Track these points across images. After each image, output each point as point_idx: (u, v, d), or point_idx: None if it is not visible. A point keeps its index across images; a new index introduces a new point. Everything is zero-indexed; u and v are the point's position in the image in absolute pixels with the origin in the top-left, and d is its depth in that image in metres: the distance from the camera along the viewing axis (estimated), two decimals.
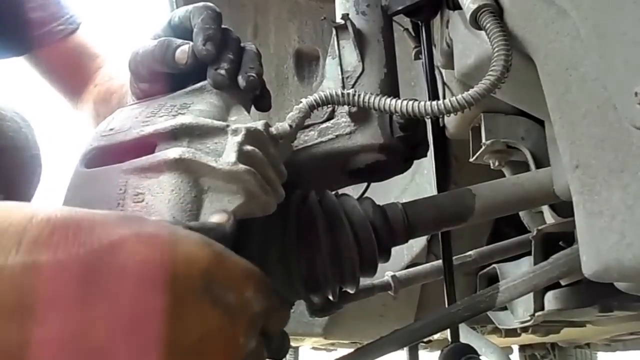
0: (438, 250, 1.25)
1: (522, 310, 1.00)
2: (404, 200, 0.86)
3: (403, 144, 0.72)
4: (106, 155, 0.60)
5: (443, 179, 0.83)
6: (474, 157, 0.93)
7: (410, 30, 0.96)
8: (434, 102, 0.59)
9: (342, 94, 0.64)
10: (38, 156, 0.88)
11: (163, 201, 0.54)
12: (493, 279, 1.13)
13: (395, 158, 0.73)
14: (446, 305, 0.81)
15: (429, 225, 0.73)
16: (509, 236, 1.07)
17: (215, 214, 0.53)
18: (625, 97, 0.50)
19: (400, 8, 0.80)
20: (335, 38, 0.79)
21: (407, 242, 0.73)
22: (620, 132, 0.51)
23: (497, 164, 0.90)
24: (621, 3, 0.51)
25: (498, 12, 0.63)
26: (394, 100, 0.61)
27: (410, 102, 0.60)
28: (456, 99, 0.58)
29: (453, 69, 0.91)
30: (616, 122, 0.52)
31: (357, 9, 0.81)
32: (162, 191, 0.54)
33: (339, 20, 0.80)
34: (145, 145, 0.59)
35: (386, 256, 0.71)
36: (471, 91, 0.59)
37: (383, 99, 0.62)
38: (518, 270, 1.04)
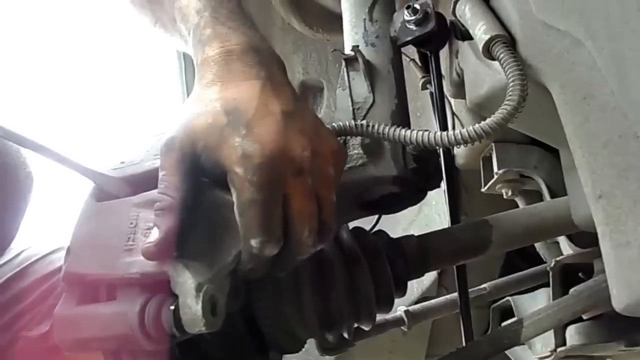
0: (449, 283, 1.24)
1: (541, 345, 0.98)
2: (412, 232, 0.84)
3: (416, 176, 0.71)
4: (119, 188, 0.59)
5: (455, 210, 0.81)
6: (486, 187, 0.91)
7: (417, 60, 0.96)
8: (450, 133, 0.58)
9: (356, 125, 0.63)
10: (31, 174, 0.88)
11: None
12: (507, 311, 1.10)
13: (408, 190, 0.71)
14: (463, 341, 0.79)
15: (446, 258, 0.72)
16: (521, 267, 1.06)
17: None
18: None
19: (409, 39, 0.79)
20: (345, 69, 0.78)
21: (423, 275, 0.72)
22: None
23: (510, 193, 0.89)
24: (637, 31, 0.51)
25: (511, 43, 0.63)
26: (408, 131, 0.60)
27: (426, 133, 0.59)
28: (473, 129, 0.57)
29: (463, 98, 0.90)
30: (638, 153, 0.51)
31: (367, 40, 0.81)
32: None
33: (348, 51, 0.79)
34: (157, 178, 0.57)
35: (402, 290, 0.69)
36: (488, 121, 0.58)
37: (397, 129, 0.61)
38: (534, 303, 1.01)
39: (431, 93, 0.99)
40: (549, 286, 1.00)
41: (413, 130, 0.60)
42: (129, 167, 0.60)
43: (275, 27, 1.29)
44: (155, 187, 0.55)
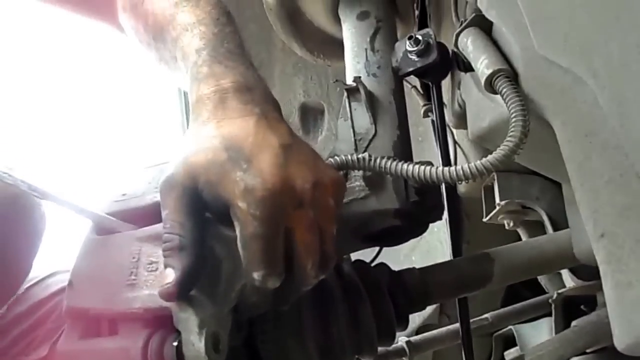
0: (451, 311, 1.23)
1: None
2: (414, 259, 0.84)
3: (418, 209, 0.70)
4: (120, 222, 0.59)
5: (457, 240, 0.81)
6: (488, 218, 0.91)
7: (419, 88, 0.97)
8: (452, 169, 0.58)
9: (358, 159, 0.63)
10: (45, 215, 0.88)
11: None
12: (509, 340, 1.09)
13: (410, 223, 0.71)
14: None
15: (448, 292, 0.72)
16: (524, 296, 1.05)
17: None
18: None
19: (411, 70, 0.79)
20: (346, 100, 0.78)
21: (424, 309, 0.71)
22: None
23: (512, 224, 0.89)
24: (638, 72, 0.51)
25: (513, 77, 0.63)
26: (410, 166, 0.60)
27: (428, 168, 0.59)
28: (475, 166, 0.57)
29: (465, 129, 0.90)
30: None
31: (368, 70, 0.81)
32: None
33: (349, 82, 0.80)
34: (158, 212, 0.57)
35: (404, 324, 0.69)
36: (490, 157, 0.58)
37: (400, 164, 0.61)
38: (536, 332, 1.01)
39: (433, 121, 1.00)
40: (551, 315, 1.00)
41: (415, 164, 0.60)
42: (132, 200, 0.60)
43: (276, 49, 1.30)
44: (158, 221, 0.55)
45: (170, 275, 0.50)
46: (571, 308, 0.82)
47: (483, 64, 0.65)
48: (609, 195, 0.53)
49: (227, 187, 0.51)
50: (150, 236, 0.55)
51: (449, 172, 0.57)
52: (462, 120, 0.85)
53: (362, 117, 0.76)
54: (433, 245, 1.19)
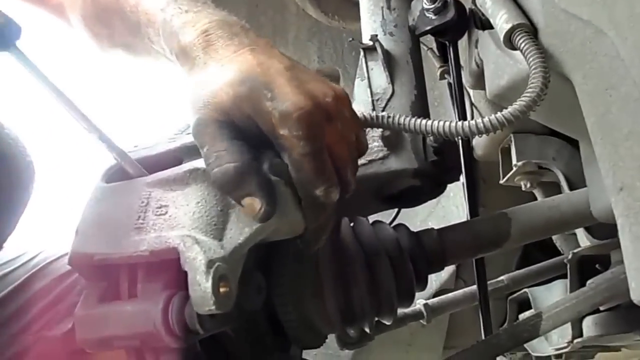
0: (467, 276, 1.23)
1: (557, 336, 0.97)
2: (430, 224, 0.84)
3: (437, 169, 0.70)
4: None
5: (473, 203, 0.81)
6: (505, 179, 0.91)
7: (435, 49, 0.96)
8: (471, 122, 0.58)
9: (377, 116, 0.62)
10: (32, 164, 0.86)
11: (187, 213, 0.53)
12: (524, 303, 1.10)
13: (429, 183, 0.71)
14: (482, 334, 0.79)
15: (465, 252, 0.72)
16: (538, 259, 1.05)
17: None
18: None
19: (428, 28, 0.79)
20: (363, 59, 0.78)
21: (443, 269, 0.72)
22: None
23: (528, 185, 0.88)
24: None
25: (532, 32, 0.62)
26: (428, 122, 0.60)
27: (447, 123, 0.59)
28: (494, 118, 0.57)
29: (482, 89, 0.89)
30: None
31: (385, 29, 0.80)
32: (187, 203, 0.53)
33: (366, 41, 0.79)
34: (170, 160, 0.58)
35: (423, 284, 0.69)
36: (509, 110, 0.58)
37: (417, 120, 0.60)
38: (550, 294, 1.01)
39: (449, 83, 0.99)
40: (565, 278, 1.00)
41: (433, 120, 0.60)
42: (143, 150, 0.60)
43: (290, 14, 1.29)
44: (169, 167, 0.56)
45: (255, 203, 0.50)
46: (586, 267, 0.82)
47: (502, 19, 0.64)
48: (628, 148, 0.53)
49: (263, 118, 0.53)
50: (160, 181, 0.55)
51: (467, 126, 0.57)
52: (479, 80, 0.84)
53: (379, 77, 0.76)
54: (449, 210, 1.19)
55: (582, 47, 0.58)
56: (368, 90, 0.75)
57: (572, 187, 0.82)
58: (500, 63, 0.70)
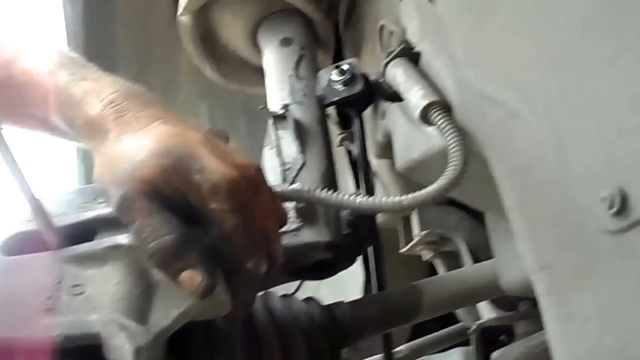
0: (363, 344, 1.21)
1: None
2: (323, 292, 0.82)
3: (350, 241, 0.69)
4: (34, 241, 0.53)
5: (381, 272, 0.80)
6: (406, 248, 0.91)
7: (332, 117, 0.96)
8: (399, 198, 0.57)
9: (295, 190, 0.60)
10: None
11: (107, 294, 0.48)
12: None
13: (342, 256, 0.69)
14: None
15: (377, 326, 0.70)
16: (430, 328, 1.06)
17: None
18: (590, 202, 0.49)
19: (336, 99, 0.78)
20: (273, 128, 0.75)
21: (355, 344, 0.69)
22: (585, 236, 0.51)
23: (430, 256, 0.89)
24: (576, 109, 0.52)
25: (448, 109, 0.63)
26: (352, 197, 0.58)
27: (373, 199, 0.57)
28: (421, 195, 0.56)
29: (387, 159, 0.91)
30: (579, 226, 0.52)
31: (294, 98, 0.79)
32: (106, 283, 0.49)
33: (274, 109, 0.77)
34: (82, 231, 0.54)
35: (336, 357, 0.66)
36: (434, 186, 0.57)
37: (341, 195, 0.59)
38: None
39: (348, 151, 0.99)
40: (463, 345, 1.01)
41: (357, 195, 0.58)
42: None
43: (180, 74, 1.25)
44: (84, 241, 0.52)
45: (195, 276, 0.47)
46: (489, 339, 0.84)
47: (417, 95, 0.65)
48: (548, 228, 0.54)
49: (192, 191, 0.50)
50: (75, 257, 0.51)
51: (397, 201, 0.56)
52: (385, 151, 0.85)
53: (290, 146, 0.74)
54: (344, 278, 1.18)
55: (498, 128, 0.59)
56: (278, 159, 0.73)
57: (474, 257, 0.84)
58: (411, 137, 0.70)
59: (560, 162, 0.54)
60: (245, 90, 1.03)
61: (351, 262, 0.72)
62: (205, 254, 0.48)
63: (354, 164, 0.98)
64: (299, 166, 0.72)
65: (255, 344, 0.61)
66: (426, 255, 0.90)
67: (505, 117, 0.58)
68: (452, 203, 0.89)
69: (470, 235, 0.86)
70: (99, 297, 0.48)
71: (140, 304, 0.48)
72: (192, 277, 0.47)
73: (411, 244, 0.89)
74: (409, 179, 0.90)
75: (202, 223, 0.50)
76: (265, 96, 0.85)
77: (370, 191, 0.82)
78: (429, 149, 0.67)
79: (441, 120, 0.61)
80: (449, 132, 0.60)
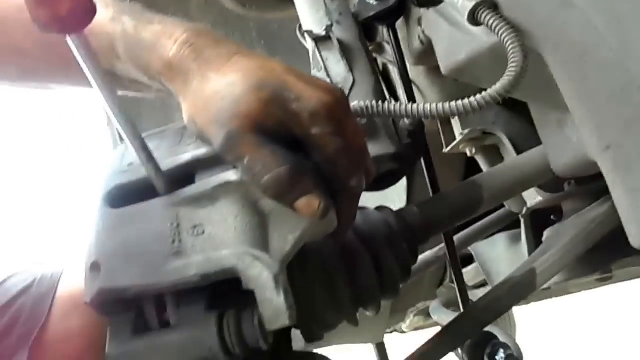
0: None
1: None
2: (369, 203, 0.86)
3: (410, 150, 0.72)
4: (133, 192, 0.55)
5: (433, 175, 0.84)
6: (449, 148, 0.95)
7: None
8: (466, 101, 0.59)
9: (367, 106, 0.62)
10: None
11: (228, 230, 0.50)
12: (465, 259, 1.16)
13: (405, 165, 0.73)
14: (458, 300, 0.83)
15: (446, 224, 0.74)
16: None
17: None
18: None
19: (371, 14, 0.79)
20: (317, 50, 0.77)
21: (427, 242, 0.74)
22: None
23: (473, 151, 0.93)
24: None
25: (494, 7, 0.64)
26: (422, 105, 0.61)
27: (443, 104, 0.60)
28: (489, 94, 0.59)
29: (425, 65, 0.92)
30: None
31: (331, 18, 0.79)
32: (224, 219, 0.51)
33: (316, 31, 0.78)
34: (182, 174, 0.55)
35: (415, 259, 0.71)
36: (497, 87, 0.59)
37: (412, 105, 0.61)
38: (493, 249, 1.08)
39: (383, 63, 1.00)
40: (505, 230, 1.08)
41: (427, 103, 0.61)
42: (143, 168, 0.54)
43: (192, 8, 1.23)
44: (185, 184, 0.53)
45: (314, 201, 0.49)
46: (540, 220, 0.89)
47: None
48: (612, 110, 0.58)
49: (293, 120, 0.51)
50: (185, 199, 0.52)
51: (467, 103, 0.59)
52: (422, 57, 0.87)
53: (337, 66, 0.75)
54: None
55: (550, 20, 0.61)
56: (328, 80, 0.75)
57: (515, 148, 0.88)
58: (455, 39, 0.72)
59: (620, 44, 0.56)
60: (262, 17, 1.03)
61: (412, 168, 0.76)
62: (318, 178, 0.51)
63: (382, 75, 0.99)
64: (350, 85, 0.74)
65: (348, 257, 0.65)
66: (471, 151, 0.93)
67: (557, 7, 0.60)
68: None
69: (508, 127, 0.89)
70: (221, 234, 0.50)
71: (260, 234, 0.50)
72: (309, 202, 0.49)
73: (455, 142, 0.92)
74: (444, 83, 0.93)
75: (303, 150, 0.52)
76: (280, 20, 0.85)
77: (412, 98, 0.85)
78: (476, 48, 0.68)
79: (491, 19, 0.63)
80: (503, 29, 0.61)
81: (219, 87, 0.53)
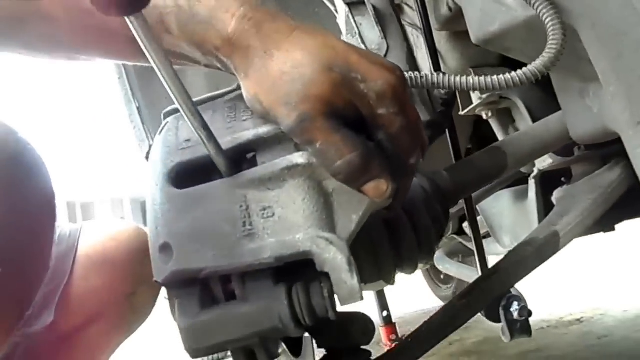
0: None
1: (509, 239, 1.11)
2: None
3: (443, 118, 0.75)
4: (194, 169, 0.55)
5: (456, 141, 0.87)
6: (466, 111, 0.98)
7: None
8: (508, 76, 0.62)
9: (423, 76, 0.64)
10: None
11: (297, 212, 0.52)
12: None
13: (437, 132, 0.76)
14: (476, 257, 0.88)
15: (473, 187, 0.78)
16: None
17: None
18: None
19: None
20: (350, 15, 0.78)
21: (455, 205, 0.78)
22: None
23: (490, 114, 0.97)
24: None
25: None
26: (470, 78, 0.63)
27: (489, 79, 0.62)
28: (529, 71, 0.61)
29: (449, 30, 0.94)
30: None
31: None
32: (293, 201, 0.52)
33: None
34: (243, 152, 0.55)
35: (447, 220, 0.75)
36: (539, 62, 0.62)
37: (461, 78, 0.63)
38: (497, 204, 1.13)
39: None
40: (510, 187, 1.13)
41: (475, 76, 0.63)
42: (202, 146, 0.54)
43: None
44: (245, 162, 0.54)
45: (382, 184, 0.51)
46: (546, 181, 0.94)
47: None
48: None
49: (361, 101, 0.52)
50: (253, 180, 0.52)
51: (509, 78, 0.61)
52: (448, 23, 0.89)
53: (371, 32, 0.77)
54: None
55: None
56: (362, 46, 0.76)
57: (530, 113, 0.92)
58: (489, 9, 0.74)
59: None
60: None
61: (440, 136, 0.79)
62: (385, 161, 0.52)
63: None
64: (384, 51, 0.76)
65: (390, 221, 0.68)
66: (487, 114, 0.97)
67: None
68: (505, 64, 0.95)
69: (525, 93, 0.92)
70: (291, 216, 0.51)
71: (327, 215, 0.52)
72: (378, 185, 0.51)
73: (472, 106, 0.96)
74: (465, 48, 0.96)
75: (366, 128, 0.53)
76: None
77: (437, 63, 0.87)
78: (511, 20, 0.71)
79: None
80: (542, 5, 0.64)
81: (286, 67, 0.52)
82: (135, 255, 0.96)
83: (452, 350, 1.96)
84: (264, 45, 0.54)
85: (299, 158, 0.52)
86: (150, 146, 1.34)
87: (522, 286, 0.85)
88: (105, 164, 17.50)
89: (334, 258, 0.50)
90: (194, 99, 0.58)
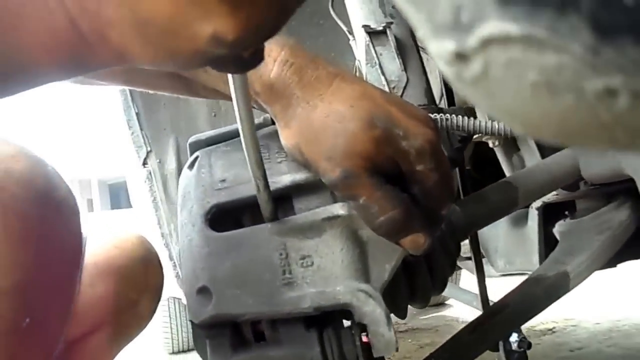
0: None
1: (503, 263, 1.12)
2: None
3: (459, 154, 0.75)
4: (231, 212, 0.56)
5: (463, 173, 0.88)
6: (475, 137, 0.98)
7: None
8: None
9: (448, 118, 0.64)
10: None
11: (335, 262, 0.53)
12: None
13: (453, 167, 0.76)
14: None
15: (483, 222, 0.79)
16: None
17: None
18: None
19: None
20: (370, 45, 0.77)
21: (465, 239, 0.78)
22: None
23: (497, 143, 0.97)
24: None
25: None
26: (495, 123, 0.64)
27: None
28: None
29: None
30: None
31: (385, 11, 0.80)
32: (332, 251, 0.53)
33: (374, 25, 0.78)
34: (279, 196, 0.55)
35: (459, 254, 0.75)
36: None
37: (486, 123, 0.64)
38: (493, 227, 1.14)
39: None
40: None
41: (493, 122, 0.64)
42: (240, 188, 0.55)
43: None
44: (281, 207, 0.54)
45: (420, 238, 0.52)
46: (550, 213, 0.95)
47: None
48: None
49: (403, 158, 0.53)
50: (292, 228, 0.53)
51: None
52: None
53: (391, 63, 0.77)
54: None
55: None
56: (382, 77, 0.76)
57: (538, 145, 0.92)
58: None
59: None
60: None
61: (455, 168, 0.79)
62: (424, 217, 0.53)
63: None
64: (404, 84, 0.75)
65: (406, 262, 0.68)
66: (494, 143, 0.97)
67: None
68: None
69: None
70: (329, 266, 0.52)
71: (362, 265, 0.53)
72: (416, 239, 0.53)
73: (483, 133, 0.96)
74: None
75: (401, 181, 0.54)
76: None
77: (451, 99, 0.88)
78: None
79: None
80: None
81: (329, 121, 0.53)
82: (139, 264, 0.95)
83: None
84: (306, 95, 0.54)
85: (339, 209, 0.53)
86: (147, 152, 1.33)
87: (494, 293, 0.87)
88: (73, 144, 17.26)
89: (373, 311, 0.51)
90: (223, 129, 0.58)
